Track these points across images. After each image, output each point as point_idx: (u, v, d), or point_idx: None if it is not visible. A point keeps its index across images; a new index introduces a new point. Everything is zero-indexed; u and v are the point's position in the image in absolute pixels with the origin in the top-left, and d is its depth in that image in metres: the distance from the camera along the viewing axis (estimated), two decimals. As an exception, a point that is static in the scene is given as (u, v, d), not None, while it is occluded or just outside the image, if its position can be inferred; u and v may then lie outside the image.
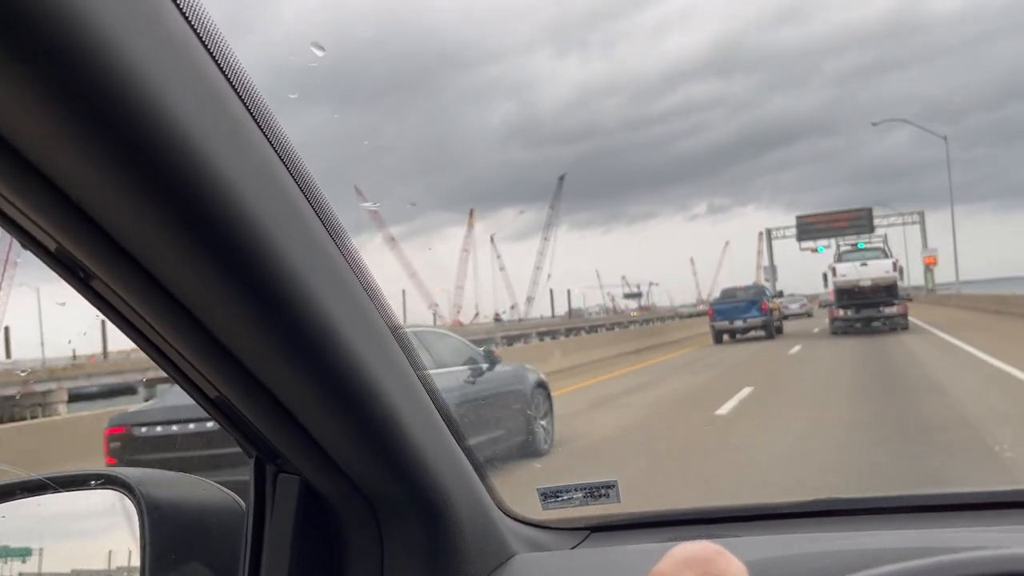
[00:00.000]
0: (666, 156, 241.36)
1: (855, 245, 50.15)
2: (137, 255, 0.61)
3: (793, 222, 78.14)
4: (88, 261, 0.63)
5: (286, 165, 0.68)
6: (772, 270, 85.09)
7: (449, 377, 7.42)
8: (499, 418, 8.09)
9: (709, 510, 1.48)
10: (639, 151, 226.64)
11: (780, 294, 38.15)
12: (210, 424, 6.19)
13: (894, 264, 29.01)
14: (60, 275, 0.67)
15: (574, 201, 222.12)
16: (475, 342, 10.59)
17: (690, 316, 62.08)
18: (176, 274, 0.64)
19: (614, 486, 1.34)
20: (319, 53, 0.87)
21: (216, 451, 5.66)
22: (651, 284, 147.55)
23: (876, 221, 74.54)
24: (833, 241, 68.69)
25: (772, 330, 30.24)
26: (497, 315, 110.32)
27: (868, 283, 27.75)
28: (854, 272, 28.38)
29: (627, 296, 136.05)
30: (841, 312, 27.98)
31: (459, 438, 1.03)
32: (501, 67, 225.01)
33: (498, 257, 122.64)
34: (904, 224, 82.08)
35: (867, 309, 27.44)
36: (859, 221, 72.85)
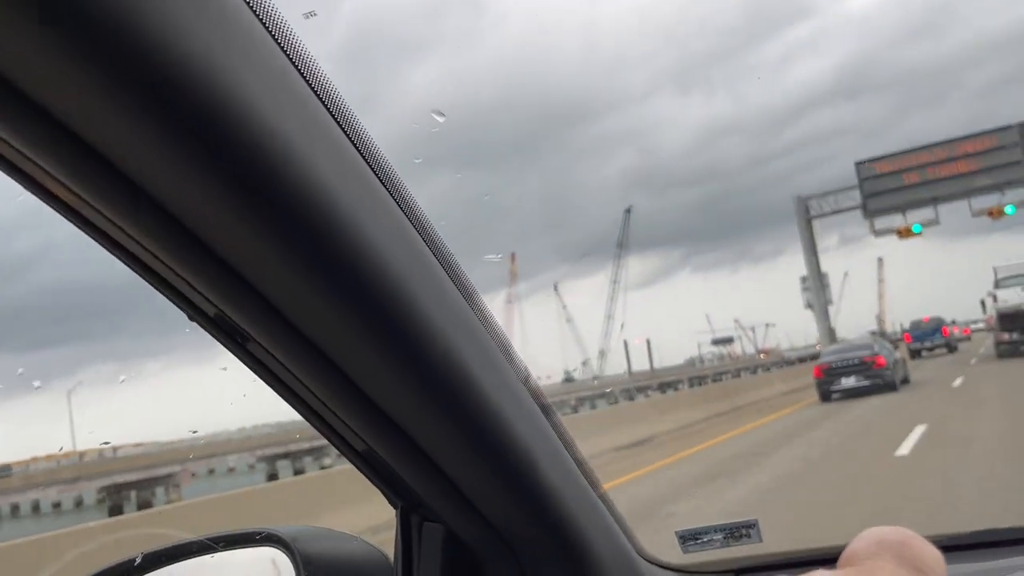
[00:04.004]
0: (793, 190, 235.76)
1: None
2: (292, 318, 0.66)
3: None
4: (246, 325, 0.67)
5: (417, 230, 0.73)
6: (817, 277, 54.59)
7: (887, 347, 23.00)
8: (897, 366, 23.23)
9: None
10: (765, 187, 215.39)
11: (953, 322, 51.16)
12: (867, 353, 22.60)
13: None
14: (219, 340, 0.70)
15: (699, 244, 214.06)
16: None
17: (801, 360, 51.56)
18: (330, 336, 0.69)
19: (755, 525, 1.29)
20: (440, 119, 0.91)
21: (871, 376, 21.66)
22: (767, 325, 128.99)
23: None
24: (933, 209, 43.82)
25: (952, 347, 46.17)
26: (568, 374, 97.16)
27: None
28: (1016, 297, 30.84)
29: (715, 342, 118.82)
30: (1006, 336, 30.80)
31: (595, 486, 1.03)
32: (621, 115, 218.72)
33: (564, 307, 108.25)
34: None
35: None
36: (1000, 154, 40.99)
